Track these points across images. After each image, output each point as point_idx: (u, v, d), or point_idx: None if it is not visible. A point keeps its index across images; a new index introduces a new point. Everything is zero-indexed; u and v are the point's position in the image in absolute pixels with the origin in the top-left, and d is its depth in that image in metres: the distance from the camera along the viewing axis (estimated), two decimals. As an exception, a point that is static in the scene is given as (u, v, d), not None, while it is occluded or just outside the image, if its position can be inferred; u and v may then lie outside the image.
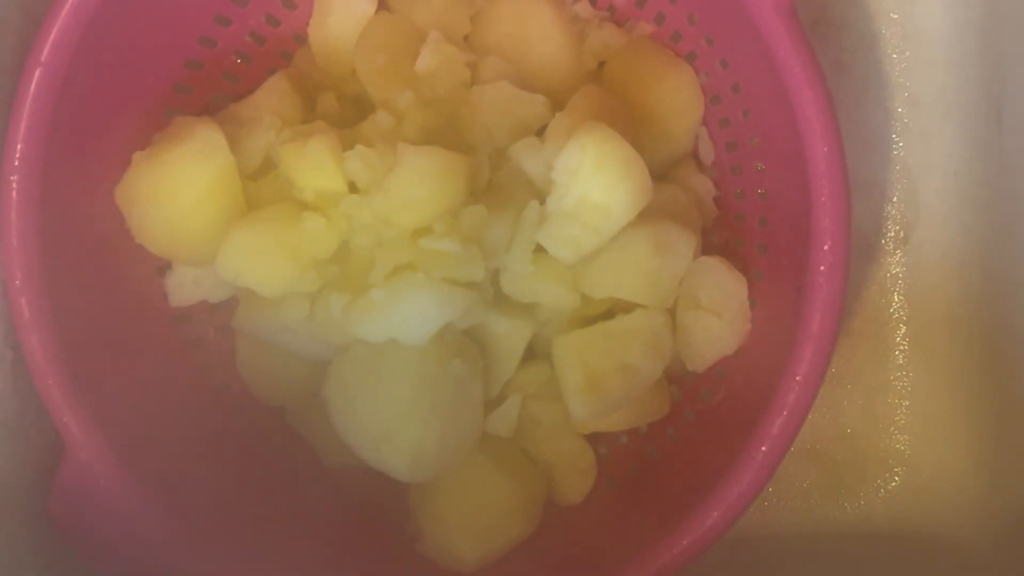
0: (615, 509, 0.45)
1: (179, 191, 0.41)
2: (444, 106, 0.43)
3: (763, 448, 0.38)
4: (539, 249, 0.41)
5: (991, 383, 0.51)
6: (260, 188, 0.43)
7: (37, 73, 0.39)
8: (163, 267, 0.45)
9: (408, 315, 0.39)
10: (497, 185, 0.42)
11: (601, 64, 0.47)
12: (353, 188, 0.41)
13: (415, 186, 0.39)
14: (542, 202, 0.41)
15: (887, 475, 0.52)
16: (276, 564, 0.42)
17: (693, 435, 0.45)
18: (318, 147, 0.40)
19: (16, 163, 0.39)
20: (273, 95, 0.45)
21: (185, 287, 0.45)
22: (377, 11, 0.46)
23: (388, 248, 0.40)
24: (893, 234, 0.52)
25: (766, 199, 0.43)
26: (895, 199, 0.52)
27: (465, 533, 0.43)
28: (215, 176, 0.41)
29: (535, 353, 0.45)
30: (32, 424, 0.43)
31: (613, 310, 0.43)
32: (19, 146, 0.39)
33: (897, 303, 0.52)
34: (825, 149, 0.37)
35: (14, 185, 0.39)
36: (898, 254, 0.52)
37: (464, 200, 0.41)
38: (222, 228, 0.41)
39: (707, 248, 0.45)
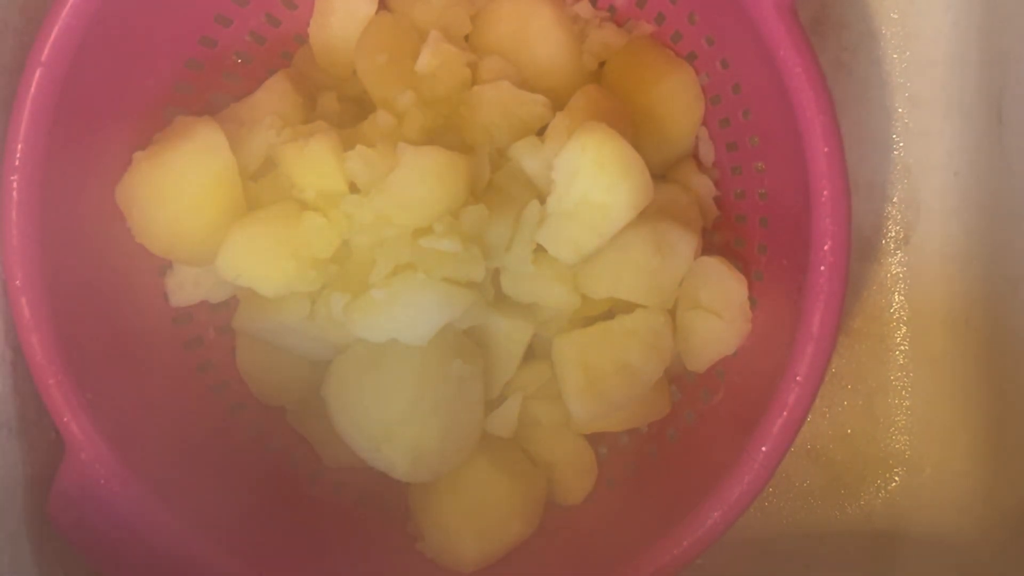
0: (615, 509, 0.45)
1: (179, 191, 0.41)
2: (444, 106, 0.43)
3: (763, 448, 0.38)
4: (539, 249, 0.41)
5: (991, 383, 0.51)
6: (261, 188, 0.43)
7: (38, 73, 0.39)
8: (163, 267, 0.45)
9: (408, 315, 0.39)
10: (497, 185, 0.42)
11: (601, 64, 0.47)
12: (354, 188, 0.41)
13: (415, 186, 0.39)
14: (542, 202, 0.41)
15: (887, 475, 0.52)
16: (276, 563, 0.42)
17: (693, 435, 0.45)
18: (319, 147, 0.41)
19: (16, 163, 0.39)
20: (274, 95, 0.45)
21: (185, 287, 0.45)
22: (377, 11, 0.46)
23: (388, 248, 0.40)
24: (893, 234, 0.52)
25: (766, 199, 0.44)
26: (895, 199, 0.52)
27: (465, 533, 0.43)
28: (216, 176, 0.41)
29: (535, 353, 0.45)
30: (32, 424, 0.43)
31: (613, 310, 0.43)
32: (19, 146, 0.39)
33: (897, 303, 0.52)
34: (825, 149, 0.37)
35: (14, 185, 0.39)
36: (898, 254, 0.52)
37: (464, 200, 0.41)
38: (222, 228, 0.41)
39: (707, 248, 0.45)
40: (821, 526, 0.52)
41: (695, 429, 0.45)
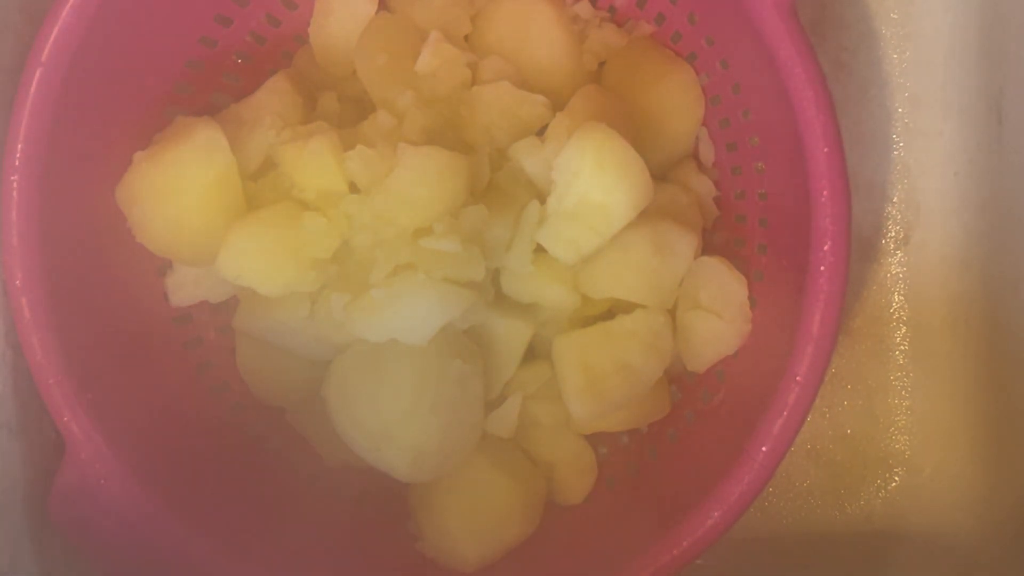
0: (615, 509, 0.45)
1: (180, 191, 0.41)
2: (444, 106, 0.43)
3: (763, 448, 0.38)
4: (539, 249, 0.41)
5: (991, 383, 0.51)
6: (261, 188, 0.43)
7: (38, 73, 0.39)
8: (163, 267, 0.45)
9: (408, 315, 0.39)
10: (497, 185, 0.42)
11: (601, 64, 0.47)
12: (354, 188, 0.41)
13: (415, 186, 0.39)
14: (542, 202, 0.41)
15: (887, 475, 0.52)
16: (276, 563, 0.42)
17: (693, 435, 0.45)
18: (319, 147, 0.41)
19: (16, 163, 0.39)
20: (274, 95, 0.45)
21: (185, 287, 0.45)
22: (377, 11, 0.46)
23: (388, 248, 0.40)
24: (893, 234, 0.52)
25: (766, 199, 0.44)
26: (895, 199, 0.52)
27: (465, 533, 0.43)
28: (216, 176, 0.41)
29: (535, 353, 0.45)
30: (32, 424, 0.43)
31: (613, 310, 0.43)
32: (19, 146, 0.39)
33: (897, 303, 0.52)
34: (825, 149, 0.37)
35: (14, 185, 0.39)
36: (898, 254, 0.52)
37: (464, 200, 0.41)
38: (223, 228, 0.41)
39: (707, 248, 0.45)
40: (821, 526, 0.52)
41: (695, 429, 0.45)
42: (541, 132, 0.43)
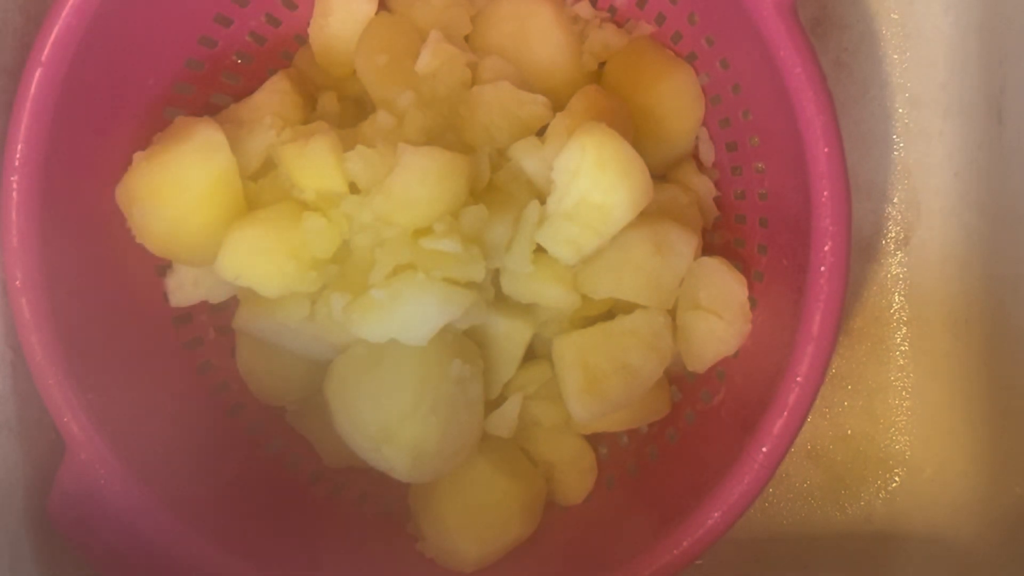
0: (615, 509, 0.45)
1: (180, 191, 0.41)
2: (444, 106, 0.43)
3: (763, 449, 0.38)
4: (539, 249, 0.41)
5: (991, 383, 0.51)
6: (261, 188, 0.43)
7: (37, 73, 0.39)
8: (163, 267, 0.45)
9: (408, 315, 0.39)
10: (497, 185, 0.42)
11: (601, 64, 0.47)
12: (354, 188, 0.41)
13: (415, 186, 0.39)
14: (542, 202, 0.41)
15: (887, 476, 0.52)
16: (275, 563, 0.42)
17: (693, 435, 0.45)
18: (319, 147, 0.40)
19: (16, 163, 0.39)
20: (274, 95, 0.45)
21: (185, 287, 0.45)
22: (377, 11, 0.46)
23: (388, 248, 0.40)
24: (894, 235, 0.52)
25: (766, 199, 0.44)
26: (895, 200, 0.52)
27: (465, 533, 0.43)
28: (216, 176, 0.41)
29: (535, 353, 0.45)
30: (32, 424, 0.43)
31: (613, 310, 0.43)
32: (19, 146, 0.39)
33: (898, 304, 0.52)
34: (825, 149, 0.37)
35: (14, 185, 0.39)
36: (899, 255, 0.52)
37: (464, 200, 0.41)
38: (222, 228, 0.41)
39: (707, 248, 0.45)
40: (821, 526, 0.52)
41: (695, 429, 0.45)
42: (541, 132, 0.43)
